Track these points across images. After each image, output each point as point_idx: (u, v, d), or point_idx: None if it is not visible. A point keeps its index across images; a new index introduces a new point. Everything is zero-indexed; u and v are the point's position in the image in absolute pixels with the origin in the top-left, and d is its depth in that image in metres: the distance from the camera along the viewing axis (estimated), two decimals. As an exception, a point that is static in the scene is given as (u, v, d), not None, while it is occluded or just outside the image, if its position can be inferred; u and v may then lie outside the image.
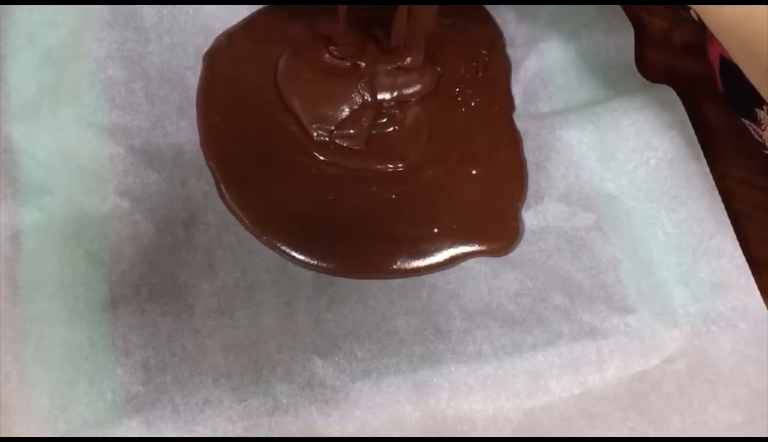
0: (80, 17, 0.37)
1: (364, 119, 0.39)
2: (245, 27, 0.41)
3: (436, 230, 0.36)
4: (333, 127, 0.38)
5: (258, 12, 0.41)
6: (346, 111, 0.39)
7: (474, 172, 0.38)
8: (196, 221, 0.35)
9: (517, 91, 0.40)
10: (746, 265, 0.35)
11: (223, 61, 0.40)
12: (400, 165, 0.38)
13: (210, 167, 0.37)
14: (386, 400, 0.32)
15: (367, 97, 0.39)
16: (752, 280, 0.35)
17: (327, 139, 0.38)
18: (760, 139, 0.37)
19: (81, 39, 0.37)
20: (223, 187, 0.36)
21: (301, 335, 0.33)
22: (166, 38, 0.39)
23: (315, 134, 0.38)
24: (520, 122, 0.39)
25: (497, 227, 0.37)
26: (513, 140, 0.39)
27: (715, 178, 0.36)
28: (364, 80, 0.40)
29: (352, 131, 0.38)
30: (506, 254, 0.36)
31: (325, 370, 0.33)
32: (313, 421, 0.32)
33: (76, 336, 0.32)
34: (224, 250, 0.35)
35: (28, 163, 0.35)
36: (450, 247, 0.36)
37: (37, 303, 0.32)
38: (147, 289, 0.33)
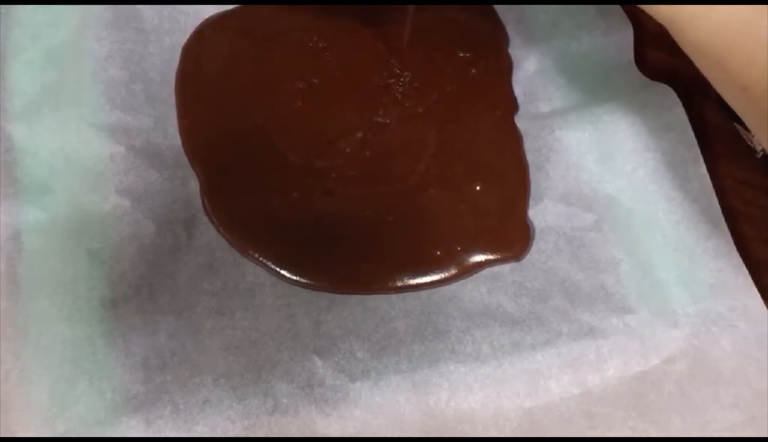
0: (82, 17, 0.38)
1: (355, 143, 0.37)
2: (228, 16, 0.40)
3: (438, 253, 0.36)
4: (317, 155, 0.37)
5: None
6: (332, 135, 0.38)
7: (478, 188, 0.37)
8: (197, 221, 0.35)
9: (517, 91, 0.40)
10: (743, 265, 0.35)
11: (200, 56, 0.39)
12: (400, 188, 0.37)
13: (196, 173, 0.36)
14: (386, 400, 0.32)
15: (359, 118, 0.38)
16: (750, 280, 0.35)
17: (312, 164, 0.37)
18: (750, 144, 0.37)
19: (82, 39, 0.37)
20: (205, 201, 0.36)
21: (300, 335, 0.33)
22: (167, 39, 0.39)
23: (295, 162, 0.37)
24: (520, 122, 0.39)
25: (508, 237, 0.36)
26: (516, 145, 0.38)
27: (714, 178, 0.36)
28: (353, 97, 0.38)
29: (341, 160, 0.37)
30: (520, 259, 0.36)
31: (325, 370, 0.33)
32: (313, 421, 0.32)
33: (76, 335, 0.32)
34: (224, 250, 0.35)
35: (30, 162, 0.35)
36: (459, 265, 0.35)
37: (38, 301, 0.32)
38: (147, 288, 0.33)
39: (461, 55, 0.41)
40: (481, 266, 0.36)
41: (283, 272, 0.34)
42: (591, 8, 0.40)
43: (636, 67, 0.40)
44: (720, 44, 0.29)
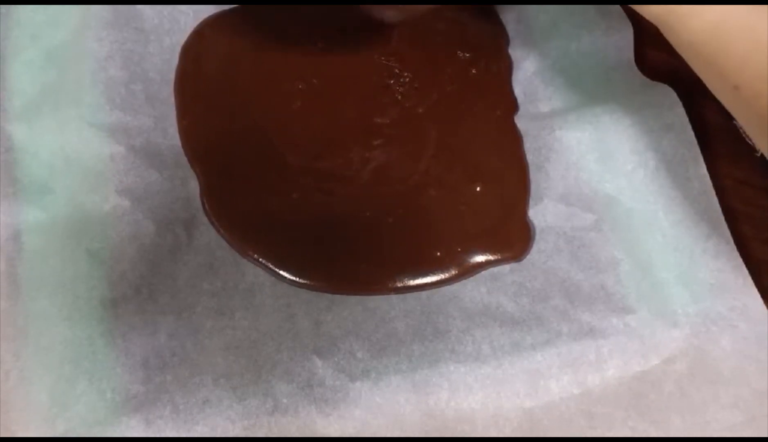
0: (82, 17, 0.38)
1: (354, 144, 0.37)
2: (228, 16, 0.40)
3: (438, 253, 0.36)
4: (316, 155, 0.37)
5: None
6: (332, 135, 0.38)
7: (478, 188, 0.37)
8: (197, 221, 0.35)
9: (517, 91, 0.40)
10: (743, 265, 0.35)
11: (199, 56, 0.39)
12: (400, 188, 0.37)
13: (196, 174, 0.36)
14: (386, 400, 0.32)
15: (358, 118, 0.38)
16: (750, 280, 0.35)
17: (312, 165, 0.37)
18: (750, 142, 0.37)
19: (82, 39, 0.37)
20: (205, 202, 0.36)
21: (300, 335, 0.33)
22: (167, 39, 0.39)
23: (295, 162, 0.37)
24: (520, 122, 0.39)
25: (508, 237, 0.36)
26: (516, 145, 0.38)
27: (714, 178, 0.36)
28: (352, 97, 0.38)
29: (341, 161, 0.37)
30: (520, 260, 0.36)
31: (325, 370, 0.33)
32: (313, 421, 0.32)
33: (76, 335, 0.32)
34: (224, 250, 0.35)
35: (30, 162, 0.35)
36: (459, 265, 0.35)
37: (38, 301, 0.32)
38: (147, 288, 0.33)
39: (461, 55, 0.41)
40: (481, 266, 0.36)
41: (282, 273, 0.34)
42: (591, 8, 0.40)
43: (636, 67, 0.39)
44: (712, 44, 0.29)
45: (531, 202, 0.37)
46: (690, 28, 0.30)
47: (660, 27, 0.31)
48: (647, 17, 0.31)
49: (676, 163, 0.37)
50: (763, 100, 0.29)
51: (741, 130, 0.38)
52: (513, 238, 0.36)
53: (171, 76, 0.38)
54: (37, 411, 0.30)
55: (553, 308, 0.35)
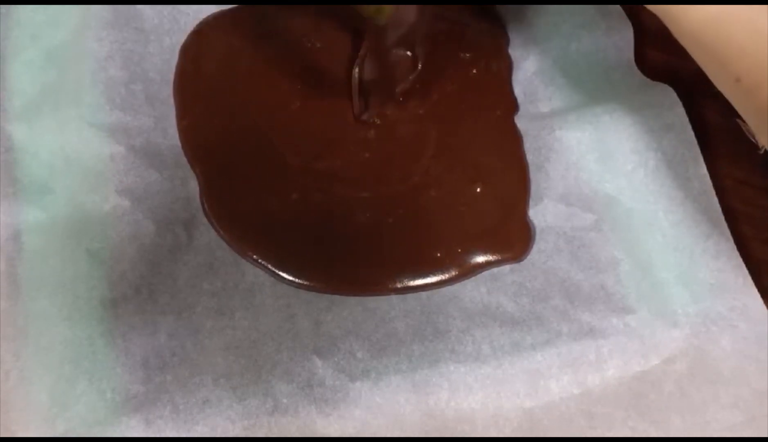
0: (82, 17, 0.38)
1: (354, 144, 0.37)
2: (227, 16, 0.40)
3: (439, 254, 0.36)
4: (316, 156, 0.37)
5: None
6: (331, 136, 0.38)
7: (478, 188, 0.37)
8: (197, 221, 0.35)
9: (517, 91, 0.40)
10: (743, 265, 0.35)
11: (198, 55, 0.39)
12: (400, 189, 0.37)
13: (195, 174, 0.36)
14: (386, 400, 0.32)
15: (357, 119, 0.38)
16: (750, 280, 0.35)
17: (312, 165, 0.37)
18: (752, 140, 0.37)
19: (82, 39, 0.37)
20: (204, 202, 0.36)
21: (300, 335, 0.33)
22: (167, 39, 0.39)
23: (294, 163, 0.37)
24: (520, 122, 0.39)
25: (508, 237, 0.36)
26: (516, 145, 0.38)
27: (714, 178, 0.36)
28: (350, 98, 0.38)
29: (340, 162, 0.37)
30: (521, 259, 0.36)
31: (325, 370, 0.33)
32: (313, 421, 0.32)
33: (76, 335, 0.32)
34: (224, 250, 0.35)
35: (30, 162, 0.35)
36: (459, 266, 0.35)
37: (38, 301, 0.32)
38: (147, 288, 0.33)
39: (461, 55, 0.41)
40: (481, 267, 0.36)
41: (282, 273, 0.34)
42: (591, 8, 0.40)
43: (636, 67, 0.39)
44: (714, 34, 0.29)
45: (531, 202, 0.37)
46: (691, 19, 0.30)
47: (662, 18, 0.31)
48: (650, 8, 0.31)
49: (676, 163, 0.37)
50: (763, 91, 0.29)
51: (744, 127, 0.38)
52: (513, 238, 0.36)
53: (171, 76, 0.38)
54: (37, 411, 0.30)
55: (553, 308, 0.35)
